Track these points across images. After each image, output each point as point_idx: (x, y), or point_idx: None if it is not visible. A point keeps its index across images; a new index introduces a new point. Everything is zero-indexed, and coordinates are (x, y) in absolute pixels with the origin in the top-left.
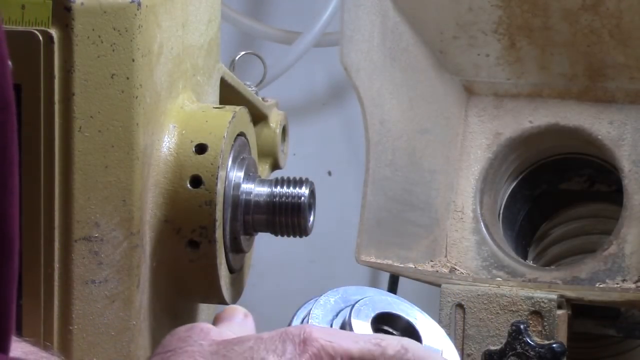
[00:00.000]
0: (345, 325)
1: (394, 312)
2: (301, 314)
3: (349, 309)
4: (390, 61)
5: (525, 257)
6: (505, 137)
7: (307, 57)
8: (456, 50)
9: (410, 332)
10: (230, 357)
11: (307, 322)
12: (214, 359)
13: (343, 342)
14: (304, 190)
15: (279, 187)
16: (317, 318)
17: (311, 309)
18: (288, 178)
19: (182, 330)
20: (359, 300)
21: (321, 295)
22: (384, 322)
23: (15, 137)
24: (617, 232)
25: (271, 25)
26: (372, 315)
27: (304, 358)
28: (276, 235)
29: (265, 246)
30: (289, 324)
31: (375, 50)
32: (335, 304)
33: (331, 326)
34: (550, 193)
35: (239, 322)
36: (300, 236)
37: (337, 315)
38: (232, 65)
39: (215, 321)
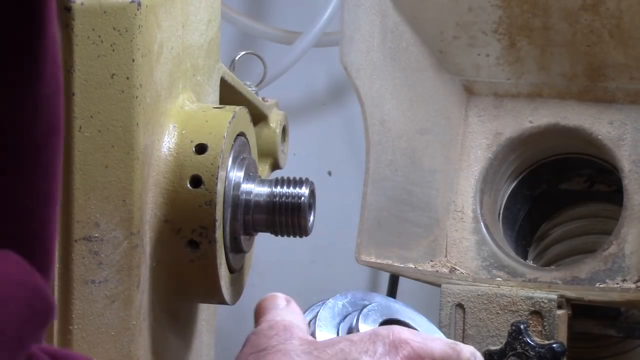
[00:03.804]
0: (353, 329)
1: (400, 318)
2: (308, 316)
3: (356, 313)
4: (390, 61)
5: (525, 257)
6: (505, 137)
7: (307, 57)
8: (456, 50)
9: None
10: (324, 358)
11: (315, 324)
12: (309, 359)
13: (429, 343)
14: (304, 190)
15: (279, 187)
16: (325, 320)
17: (319, 311)
18: (288, 178)
19: (264, 328)
20: (366, 305)
21: (329, 299)
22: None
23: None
24: (617, 232)
25: (271, 25)
26: (380, 320)
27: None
28: (276, 235)
29: (265, 246)
30: None
31: (375, 50)
32: (343, 308)
33: (337, 329)
34: (550, 193)
35: (284, 309)
36: (300, 236)
37: (344, 318)
38: (232, 65)
39: (259, 311)
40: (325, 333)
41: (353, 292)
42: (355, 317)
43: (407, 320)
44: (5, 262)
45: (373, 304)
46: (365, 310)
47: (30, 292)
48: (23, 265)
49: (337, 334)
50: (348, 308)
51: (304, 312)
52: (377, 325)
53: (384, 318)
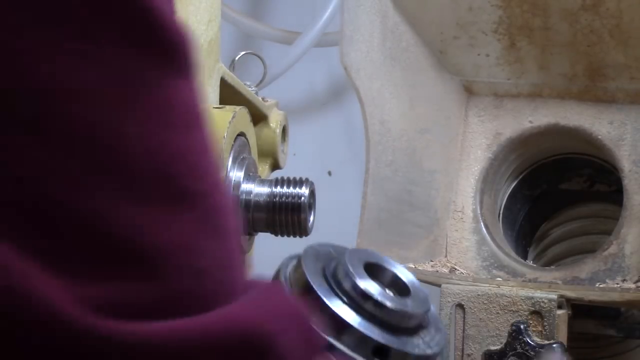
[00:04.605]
0: (339, 267)
1: (382, 263)
2: (289, 263)
3: (340, 256)
4: (390, 61)
5: (525, 257)
6: (505, 137)
7: (307, 57)
8: (456, 50)
9: (398, 283)
10: None
11: (301, 266)
12: None
13: None
14: (304, 190)
15: (279, 187)
16: (310, 261)
17: (300, 257)
18: (288, 178)
19: None
20: (348, 249)
21: (303, 249)
22: (372, 272)
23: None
24: (617, 232)
25: (271, 25)
26: (363, 263)
27: None
28: (276, 235)
29: (265, 246)
30: (276, 276)
31: (375, 50)
32: (324, 254)
33: (323, 270)
34: (550, 193)
35: None
36: (301, 236)
37: (328, 260)
38: (232, 65)
39: None
40: (310, 273)
41: (327, 242)
42: (344, 257)
43: (389, 266)
44: (279, 296)
45: (355, 248)
46: (349, 252)
47: (304, 325)
48: (292, 299)
49: (323, 273)
50: (329, 251)
51: (282, 264)
52: (362, 266)
53: (367, 261)
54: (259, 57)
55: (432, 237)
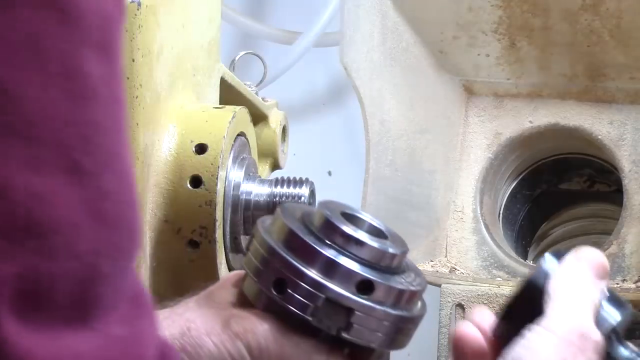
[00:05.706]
0: (316, 214)
1: (357, 214)
2: (266, 219)
3: (314, 208)
4: (390, 61)
5: (525, 257)
6: (505, 137)
7: (307, 57)
8: (456, 50)
9: (374, 230)
10: None
11: (279, 217)
12: None
13: None
14: (304, 190)
15: (279, 187)
16: (287, 213)
17: (277, 211)
18: (288, 178)
19: None
20: (322, 201)
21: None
22: (348, 220)
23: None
24: (617, 232)
25: (271, 25)
26: (339, 212)
27: None
28: None
29: None
30: (255, 231)
31: (375, 50)
32: (298, 209)
33: (301, 219)
34: (550, 193)
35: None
36: None
37: (304, 212)
38: (232, 65)
39: None
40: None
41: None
42: (318, 207)
43: (364, 217)
44: (150, 323)
45: (328, 200)
46: (323, 203)
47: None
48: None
49: (302, 221)
50: (304, 207)
51: (260, 228)
52: (339, 214)
53: (343, 210)
54: (259, 57)
55: (432, 237)
